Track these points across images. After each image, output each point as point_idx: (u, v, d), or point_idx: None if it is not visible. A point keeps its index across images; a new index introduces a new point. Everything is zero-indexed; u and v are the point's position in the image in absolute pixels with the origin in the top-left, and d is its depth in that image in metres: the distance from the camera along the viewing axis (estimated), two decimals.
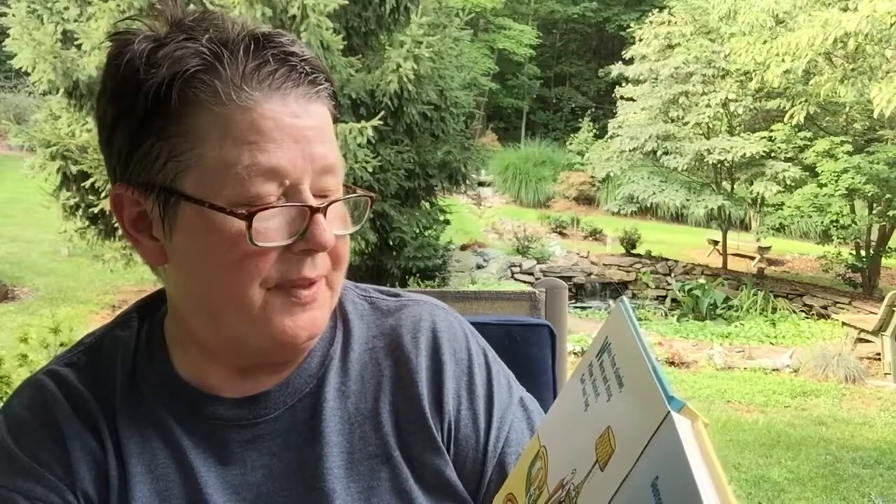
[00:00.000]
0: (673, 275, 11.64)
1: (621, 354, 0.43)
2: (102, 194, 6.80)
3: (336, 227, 0.67)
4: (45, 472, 0.68)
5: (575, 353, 6.12)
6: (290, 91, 0.63)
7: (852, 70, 8.30)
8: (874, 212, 9.86)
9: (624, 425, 0.40)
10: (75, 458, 0.68)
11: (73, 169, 6.88)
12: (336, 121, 0.70)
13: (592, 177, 15.91)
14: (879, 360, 7.26)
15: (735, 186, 11.55)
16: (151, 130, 0.63)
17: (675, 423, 0.36)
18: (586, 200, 17.32)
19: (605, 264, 12.13)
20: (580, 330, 7.51)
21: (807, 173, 10.18)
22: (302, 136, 0.63)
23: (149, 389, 0.72)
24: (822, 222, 9.83)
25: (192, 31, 0.63)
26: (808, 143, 10.14)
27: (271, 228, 0.63)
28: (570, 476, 0.42)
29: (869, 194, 9.41)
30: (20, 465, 0.68)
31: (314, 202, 0.64)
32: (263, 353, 0.70)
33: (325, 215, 0.64)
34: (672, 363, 7.09)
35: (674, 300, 10.57)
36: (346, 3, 6.93)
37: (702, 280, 10.65)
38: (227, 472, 0.71)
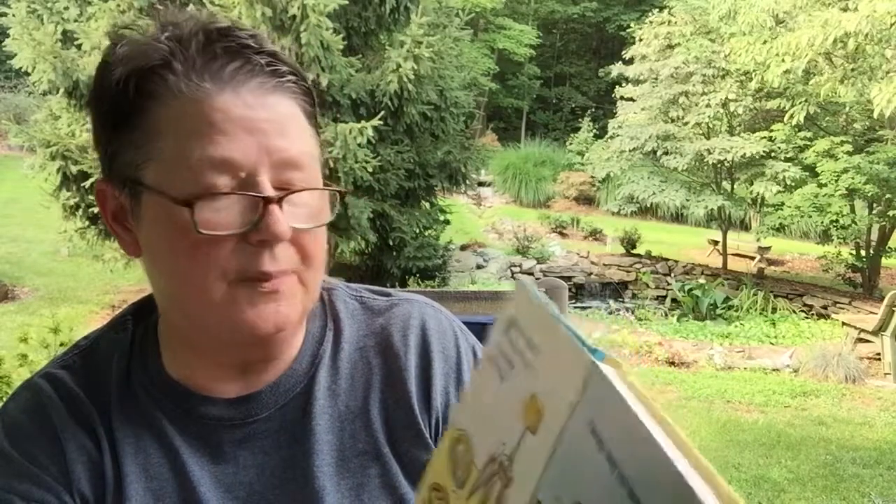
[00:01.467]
0: (673, 275, 11.64)
1: (529, 325, 0.43)
2: None
3: (299, 220, 0.66)
4: (41, 473, 0.68)
5: None
6: (244, 83, 0.64)
7: (852, 70, 8.30)
8: (874, 212, 9.85)
9: (549, 387, 0.39)
10: (71, 459, 0.69)
11: (73, 169, 6.89)
12: (314, 116, 0.69)
13: (592, 177, 15.90)
14: (879, 360, 7.26)
15: (735, 186, 11.54)
16: (122, 126, 0.65)
17: (601, 369, 0.36)
18: (586, 200, 17.32)
19: (605, 264, 12.13)
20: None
21: (807, 173, 10.16)
22: (255, 127, 0.63)
23: (142, 390, 0.73)
24: (822, 222, 9.81)
25: (163, 29, 0.65)
26: (808, 143, 10.13)
27: (220, 217, 0.63)
28: (500, 448, 0.42)
29: (869, 194, 9.39)
30: (17, 466, 0.68)
31: (271, 193, 0.63)
32: (235, 348, 0.70)
33: (280, 207, 0.64)
34: (672, 363, 7.08)
35: (674, 300, 10.56)
36: (346, 3, 6.93)
37: (702, 280, 10.64)
38: (219, 471, 0.72)
